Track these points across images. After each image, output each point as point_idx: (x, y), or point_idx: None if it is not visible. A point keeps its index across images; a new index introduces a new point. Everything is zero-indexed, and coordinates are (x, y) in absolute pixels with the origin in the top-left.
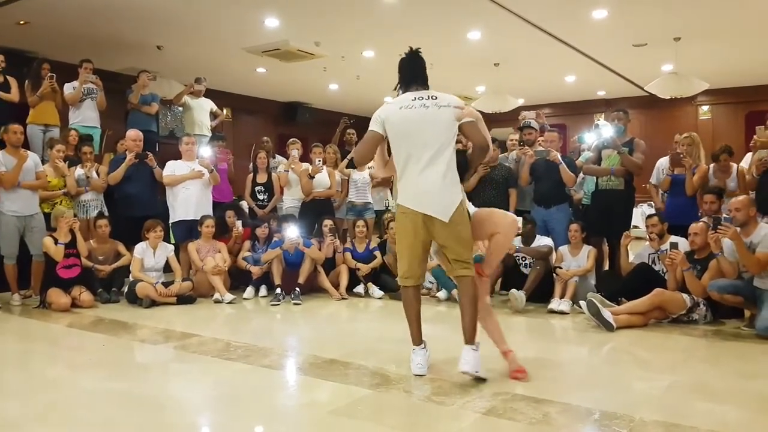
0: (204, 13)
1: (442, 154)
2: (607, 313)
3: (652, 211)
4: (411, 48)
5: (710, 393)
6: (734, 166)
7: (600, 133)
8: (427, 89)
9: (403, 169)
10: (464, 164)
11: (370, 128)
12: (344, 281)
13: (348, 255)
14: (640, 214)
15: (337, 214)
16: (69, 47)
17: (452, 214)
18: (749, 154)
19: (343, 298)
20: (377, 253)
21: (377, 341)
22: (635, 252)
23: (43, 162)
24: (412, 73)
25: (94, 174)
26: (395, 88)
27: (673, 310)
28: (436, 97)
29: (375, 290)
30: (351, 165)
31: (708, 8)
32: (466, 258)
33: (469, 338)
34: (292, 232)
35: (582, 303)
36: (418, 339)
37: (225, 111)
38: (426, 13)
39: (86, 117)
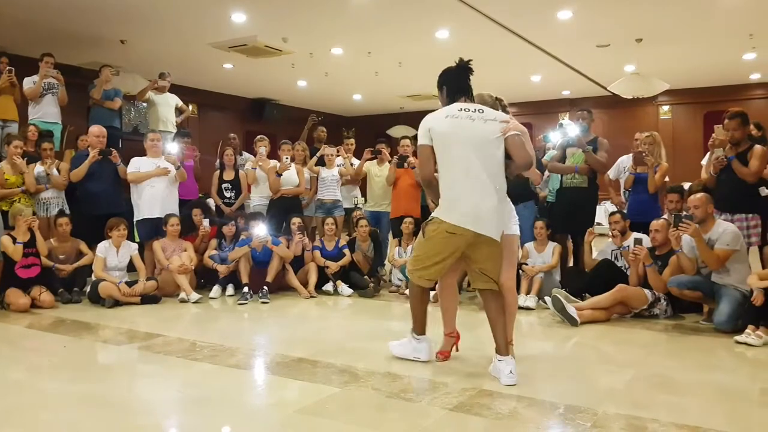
0: (169, 7)
1: (495, 171)
2: (571, 309)
3: (615, 208)
4: (461, 59)
5: (671, 386)
6: None
7: (565, 131)
8: (473, 101)
9: (452, 179)
10: None
11: (420, 143)
12: (313, 279)
13: (317, 253)
14: (603, 211)
15: (306, 212)
16: (29, 40)
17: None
18: (708, 153)
19: (311, 297)
20: (346, 251)
21: (346, 339)
22: (598, 248)
23: (0, 159)
24: (459, 84)
25: (55, 171)
26: (446, 96)
27: (636, 305)
28: (483, 111)
29: (344, 288)
30: (320, 162)
31: (669, 10)
32: (494, 274)
33: (504, 349)
34: (260, 230)
35: (547, 299)
36: (424, 328)
37: (191, 107)
38: (395, 12)
39: (47, 112)
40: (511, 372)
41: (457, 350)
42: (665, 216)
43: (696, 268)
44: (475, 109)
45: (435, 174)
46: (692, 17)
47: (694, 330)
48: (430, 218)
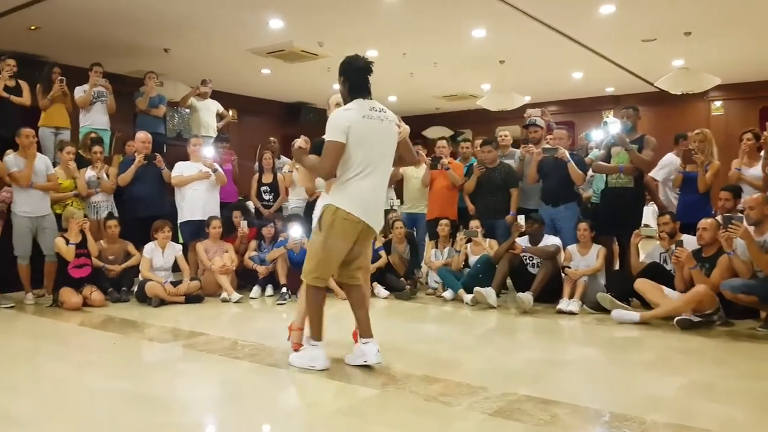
0: (209, 16)
1: (388, 169)
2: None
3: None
4: (362, 56)
5: (723, 394)
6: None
7: (608, 130)
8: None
9: (352, 175)
10: None
11: (331, 138)
12: None
13: None
14: (651, 212)
15: None
16: (79, 51)
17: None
18: (763, 151)
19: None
20: (382, 252)
21: (382, 341)
22: (646, 251)
23: (54, 165)
24: (364, 81)
25: (104, 176)
26: (348, 90)
27: (707, 308)
28: (384, 111)
29: (380, 290)
30: None
31: (719, 1)
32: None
33: (366, 332)
34: (295, 231)
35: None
36: (321, 333)
37: (231, 112)
38: (429, 12)
39: (96, 120)
40: (378, 351)
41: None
42: (717, 217)
43: (751, 271)
44: (379, 108)
45: None
46: (743, 7)
47: (749, 337)
48: (323, 207)
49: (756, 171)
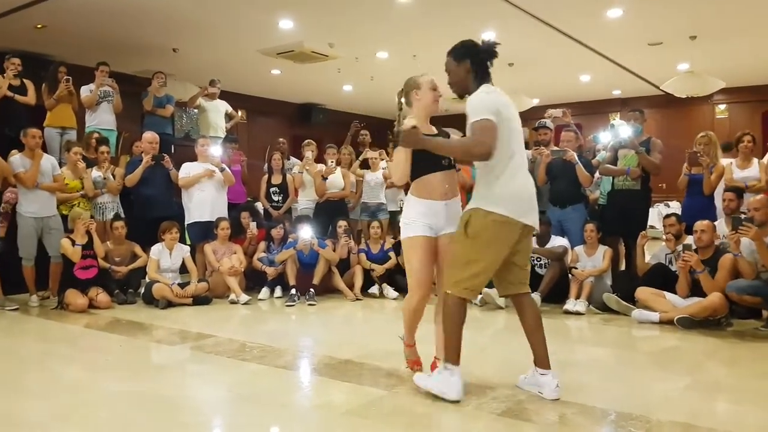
0: (219, 16)
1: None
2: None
3: (669, 210)
4: (489, 41)
5: (729, 394)
6: (755, 159)
7: (616, 132)
8: None
9: (502, 170)
10: None
11: (483, 117)
12: (359, 282)
13: (362, 256)
14: (656, 214)
15: (351, 215)
16: (85, 50)
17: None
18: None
19: (357, 299)
20: (392, 253)
21: (392, 342)
22: (652, 252)
23: (60, 165)
24: (485, 66)
25: (110, 176)
26: (473, 74)
27: (720, 313)
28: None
29: (389, 291)
30: (365, 166)
31: (724, 6)
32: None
33: (545, 361)
34: (305, 232)
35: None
36: (459, 356)
37: (240, 113)
38: (439, 14)
39: (103, 120)
40: (557, 386)
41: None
42: (722, 219)
43: (756, 272)
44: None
45: None
46: (749, 12)
47: (753, 336)
48: (470, 212)
49: (747, 173)
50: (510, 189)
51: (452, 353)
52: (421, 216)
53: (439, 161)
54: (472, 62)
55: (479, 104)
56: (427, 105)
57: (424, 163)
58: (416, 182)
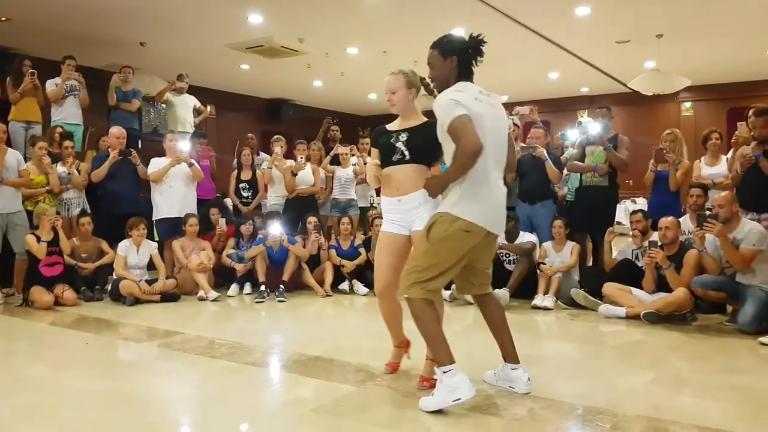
0: (187, 9)
1: (503, 166)
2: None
3: (636, 207)
4: (478, 35)
5: (693, 387)
6: (723, 157)
7: (585, 129)
8: None
9: (481, 176)
10: None
11: (456, 115)
12: (329, 278)
13: (333, 252)
14: (623, 210)
15: (321, 211)
16: (51, 44)
17: None
18: (731, 150)
19: (327, 295)
20: (362, 250)
21: (362, 338)
22: (619, 248)
23: (25, 160)
24: (470, 64)
25: (75, 171)
26: (456, 71)
27: (685, 308)
28: (491, 96)
29: (360, 287)
30: (335, 162)
31: (690, 5)
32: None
33: (514, 356)
34: (274, 228)
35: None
36: (450, 356)
37: (209, 108)
38: (410, 11)
39: (69, 114)
40: (529, 379)
41: (408, 357)
42: (686, 216)
43: (720, 268)
44: (487, 94)
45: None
46: (714, 12)
47: (717, 331)
48: (436, 216)
49: (716, 170)
50: (480, 196)
51: (442, 355)
52: (384, 212)
53: (390, 157)
54: (460, 59)
55: (442, 104)
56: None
57: (381, 158)
58: (381, 178)
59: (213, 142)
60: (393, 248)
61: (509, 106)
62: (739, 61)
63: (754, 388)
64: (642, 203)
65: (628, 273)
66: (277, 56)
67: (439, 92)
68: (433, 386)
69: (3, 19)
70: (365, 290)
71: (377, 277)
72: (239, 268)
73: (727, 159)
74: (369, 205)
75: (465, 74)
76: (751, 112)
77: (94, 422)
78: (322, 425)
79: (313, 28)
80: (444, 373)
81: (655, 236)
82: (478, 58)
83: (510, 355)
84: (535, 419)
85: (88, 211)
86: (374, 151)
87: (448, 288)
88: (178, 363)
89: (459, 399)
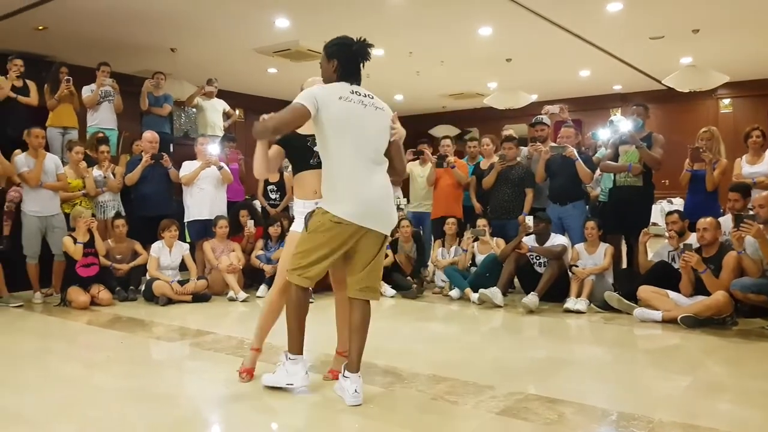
0: (215, 15)
1: (384, 162)
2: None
3: (672, 207)
4: (363, 38)
5: (732, 394)
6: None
7: (616, 128)
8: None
9: (339, 170)
10: None
11: (298, 101)
12: None
13: None
14: (659, 210)
15: None
16: (86, 51)
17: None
18: None
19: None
20: (389, 251)
21: (389, 340)
22: (654, 250)
23: (63, 164)
24: (357, 66)
25: (111, 175)
26: (336, 73)
27: (724, 312)
28: (372, 98)
29: (387, 289)
30: None
31: None
32: (376, 282)
33: (355, 365)
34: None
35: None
36: (301, 346)
37: (237, 111)
38: (436, 10)
39: (104, 119)
40: (356, 391)
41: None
42: (726, 216)
43: (761, 270)
44: (365, 94)
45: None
46: (753, 4)
47: (758, 336)
48: (314, 209)
49: (757, 168)
50: (347, 192)
51: (294, 343)
52: (297, 213)
53: (307, 160)
54: (339, 61)
55: (303, 93)
56: None
57: (294, 161)
58: (294, 180)
59: (242, 146)
60: None
61: (539, 105)
62: None
63: None
64: (679, 203)
65: (664, 275)
66: (304, 59)
67: None
68: (336, 378)
69: (40, 28)
70: (392, 292)
71: (279, 274)
72: (268, 269)
73: None
74: (396, 206)
75: (347, 75)
76: None
77: (124, 420)
78: (350, 427)
79: (339, 30)
80: (289, 359)
81: (692, 238)
82: (364, 61)
83: (351, 363)
84: (565, 424)
85: (123, 213)
86: (260, 145)
87: (476, 291)
88: (209, 362)
89: (292, 384)
